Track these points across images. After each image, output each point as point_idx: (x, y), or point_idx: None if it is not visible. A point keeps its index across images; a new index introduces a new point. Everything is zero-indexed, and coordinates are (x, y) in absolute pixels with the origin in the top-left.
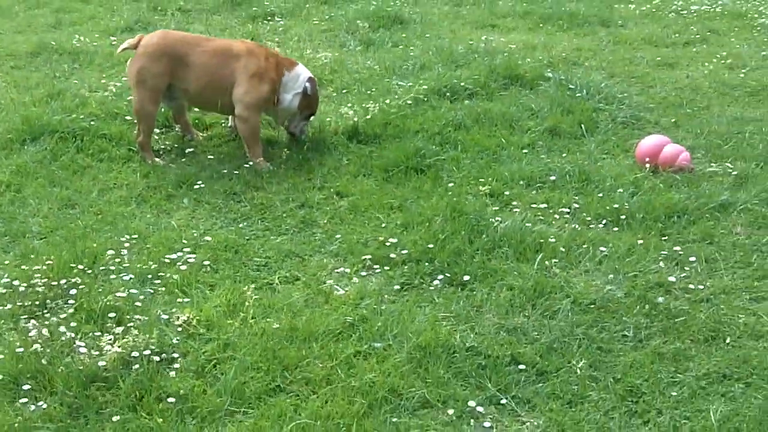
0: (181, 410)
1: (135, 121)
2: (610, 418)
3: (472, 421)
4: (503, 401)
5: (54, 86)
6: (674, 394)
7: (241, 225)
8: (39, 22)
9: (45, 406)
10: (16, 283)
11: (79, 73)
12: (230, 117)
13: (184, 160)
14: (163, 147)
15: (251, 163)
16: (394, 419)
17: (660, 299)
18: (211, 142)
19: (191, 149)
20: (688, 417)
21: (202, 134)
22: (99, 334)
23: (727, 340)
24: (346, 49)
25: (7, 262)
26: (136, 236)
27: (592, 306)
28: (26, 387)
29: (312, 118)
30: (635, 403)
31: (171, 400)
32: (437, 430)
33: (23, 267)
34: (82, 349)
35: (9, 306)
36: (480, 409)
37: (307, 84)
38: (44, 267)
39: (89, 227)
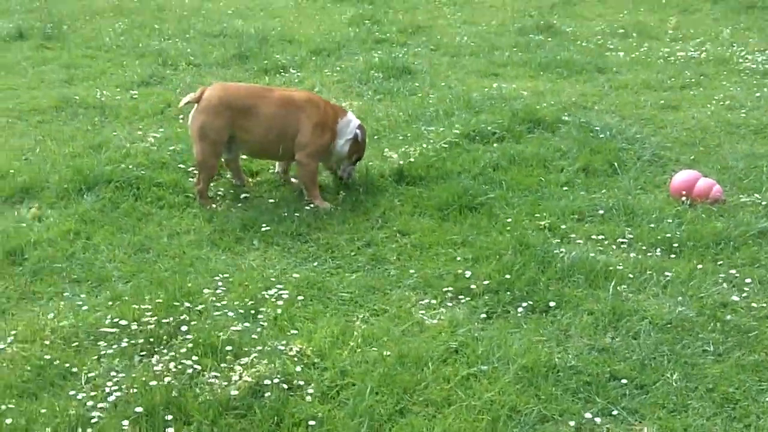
0: None
1: (196, 171)
2: (714, 424)
3: (590, 431)
4: (614, 412)
5: (93, 138)
6: (767, 400)
7: (314, 264)
8: (51, 78)
9: None
10: (123, 322)
11: (110, 126)
12: (278, 163)
13: (240, 205)
14: (217, 193)
15: (311, 205)
16: None
17: (729, 317)
18: (262, 188)
19: (245, 195)
20: None
21: (251, 180)
22: (225, 365)
23: None
24: (364, 98)
25: (109, 303)
26: (227, 275)
27: (669, 326)
28: (168, 417)
29: (359, 163)
30: (733, 409)
31: (312, 422)
32: None
33: (134, 306)
34: (212, 380)
35: (124, 344)
36: (597, 420)
37: (358, 131)
38: (149, 306)
39: (170, 270)
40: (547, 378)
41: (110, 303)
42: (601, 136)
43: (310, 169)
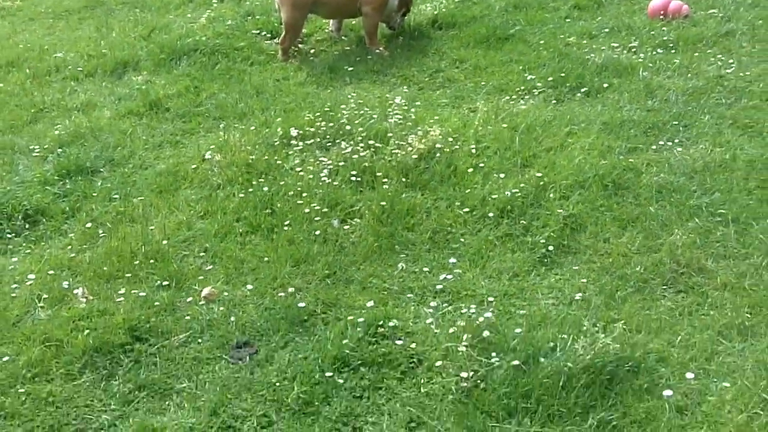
0: (483, 172)
1: (282, 32)
2: (740, 143)
3: (665, 151)
4: (675, 140)
5: (151, 23)
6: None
7: (404, 88)
8: None
9: (383, 187)
10: (294, 131)
11: (153, 15)
12: (331, 22)
13: (312, 58)
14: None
15: (373, 51)
16: (626, 157)
17: (726, 83)
18: (322, 45)
19: (311, 50)
20: None
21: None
22: (394, 144)
23: None
24: None
25: (265, 128)
26: (354, 95)
27: (689, 91)
28: (378, 174)
29: (407, 15)
30: (751, 132)
31: (481, 164)
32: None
33: (304, 114)
34: (396, 151)
35: (308, 142)
36: (668, 144)
37: None
38: (309, 118)
39: (294, 102)
40: (623, 127)
41: (260, 125)
42: None
43: (374, 20)
